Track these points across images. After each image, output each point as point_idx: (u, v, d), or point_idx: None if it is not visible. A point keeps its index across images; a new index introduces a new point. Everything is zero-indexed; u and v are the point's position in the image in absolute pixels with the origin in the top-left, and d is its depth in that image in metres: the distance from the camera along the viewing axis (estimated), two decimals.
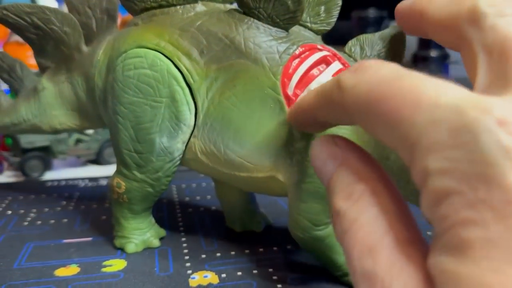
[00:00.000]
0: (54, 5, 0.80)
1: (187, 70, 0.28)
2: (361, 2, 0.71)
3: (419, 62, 0.71)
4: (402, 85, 0.14)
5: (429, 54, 0.72)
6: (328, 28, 0.29)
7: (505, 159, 0.11)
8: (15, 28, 0.34)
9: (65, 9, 0.34)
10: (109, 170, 0.53)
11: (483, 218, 0.11)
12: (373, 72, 0.15)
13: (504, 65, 0.14)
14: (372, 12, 0.72)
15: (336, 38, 0.30)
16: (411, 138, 0.13)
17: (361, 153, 0.18)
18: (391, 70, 0.15)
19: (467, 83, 0.16)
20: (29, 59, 0.73)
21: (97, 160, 0.55)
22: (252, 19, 0.27)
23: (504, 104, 0.12)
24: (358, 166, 0.17)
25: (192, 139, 0.29)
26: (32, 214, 0.39)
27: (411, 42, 0.79)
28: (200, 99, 0.28)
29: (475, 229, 0.11)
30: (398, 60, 0.28)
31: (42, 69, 0.36)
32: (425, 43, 0.74)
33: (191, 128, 0.29)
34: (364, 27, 0.72)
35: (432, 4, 0.19)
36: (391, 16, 0.73)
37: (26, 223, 0.37)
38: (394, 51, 0.28)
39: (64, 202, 0.42)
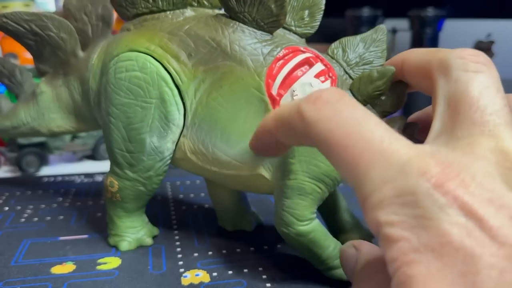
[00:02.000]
0: (52, 2, 0.81)
1: (176, 72, 0.29)
2: (355, 1, 0.72)
3: None
4: (359, 136, 0.16)
5: None
6: (312, 31, 0.30)
7: (439, 213, 0.14)
8: (14, 35, 0.35)
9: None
10: (105, 165, 0.53)
11: (425, 258, 0.13)
12: (333, 110, 0.16)
13: (455, 118, 0.17)
14: (366, 11, 0.72)
15: (330, 36, 0.31)
16: (365, 191, 0.15)
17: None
18: (349, 115, 0.16)
19: None
20: (26, 52, 0.74)
21: (93, 155, 0.55)
22: (237, 23, 0.28)
23: (442, 163, 0.14)
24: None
25: (181, 138, 0.30)
26: (28, 211, 0.40)
27: (404, 42, 0.80)
28: (189, 100, 0.29)
29: (419, 267, 0.13)
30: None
31: (41, 73, 0.37)
32: (418, 43, 0.75)
33: (180, 128, 0.30)
34: (358, 25, 0.73)
35: (412, 54, 0.21)
36: (385, 15, 0.74)
37: (23, 220, 0.38)
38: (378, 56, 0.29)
39: (60, 199, 0.43)
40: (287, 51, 0.28)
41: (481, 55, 0.18)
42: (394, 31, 0.83)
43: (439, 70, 0.18)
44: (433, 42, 0.76)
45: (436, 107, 0.18)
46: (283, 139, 0.20)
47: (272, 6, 0.27)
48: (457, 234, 0.13)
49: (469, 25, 0.84)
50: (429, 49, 0.20)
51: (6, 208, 0.40)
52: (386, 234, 0.14)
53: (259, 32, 0.28)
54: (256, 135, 0.22)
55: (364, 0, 0.72)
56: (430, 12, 0.71)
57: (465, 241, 0.13)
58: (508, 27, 0.83)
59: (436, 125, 0.18)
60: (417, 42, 0.76)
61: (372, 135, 0.15)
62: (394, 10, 0.80)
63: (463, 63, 0.18)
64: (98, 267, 0.30)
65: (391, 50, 0.82)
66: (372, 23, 0.72)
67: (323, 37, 0.41)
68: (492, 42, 0.83)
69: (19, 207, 0.41)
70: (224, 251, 0.33)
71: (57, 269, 0.30)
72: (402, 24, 0.80)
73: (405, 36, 0.80)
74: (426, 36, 0.75)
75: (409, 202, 0.14)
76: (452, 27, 0.81)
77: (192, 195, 0.44)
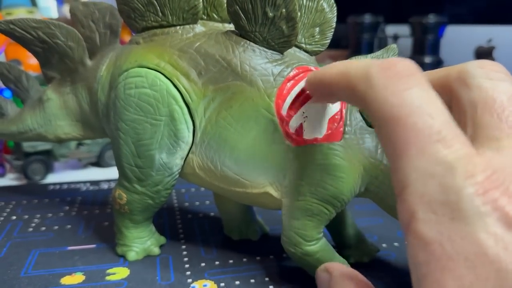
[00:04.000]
0: (54, 5, 0.81)
1: (186, 90, 0.29)
2: (357, 7, 0.72)
3: None
4: (419, 119, 0.15)
5: (423, 60, 0.74)
6: (322, 49, 0.30)
7: (478, 221, 0.13)
8: (22, 42, 0.35)
9: (66, 9, 0.35)
10: (110, 172, 0.54)
11: (458, 267, 0.13)
12: (402, 84, 0.16)
13: (488, 121, 0.16)
14: (367, 18, 0.73)
15: (332, 42, 0.31)
16: (407, 179, 0.15)
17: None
18: (418, 95, 0.16)
19: None
20: (30, 59, 0.74)
21: (98, 162, 0.56)
22: (248, 41, 0.28)
23: (489, 167, 0.14)
24: None
25: (190, 155, 0.30)
26: (36, 220, 0.40)
27: (406, 48, 0.81)
28: (198, 118, 0.29)
29: (451, 278, 0.13)
30: None
31: (48, 79, 0.37)
32: (420, 49, 0.75)
33: (189, 145, 0.30)
34: (360, 32, 0.73)
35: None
36: (387, 21, 0.74)
37: (31, 229, 0.38)
38: None
39: (67, 207, 0.43)
40: (297, 71, 0.28)
41: (500, 65, 0.18)
42: (395, 38, 0.83)
43: (459, 80, 0.18)
44: (435, 48, 0.77)
45: (464, 114, 0.18)
46: (339, 93, 0.20)
47: (284, 26, 0.27)
48: (493, 246, 0.13)
49: (470, 31, 0.85)
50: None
51: (14, 217, 0.41)
52: (420, 232, 0.14)
53: (269, 52, 0.28)
54: (314, 79, 0.22)
55: (365, 6, 0.73)
56: (431, 18, 0.72)
57: (501, 254, 0.13)
58: (509, 32, 0.83)
59: (469, 131, 0.17)
60: (419, 48, 0.76)
61: (432, 123, 0.15)
62: (395, 17, 0.81)
63: (484, 72, 0.18)
64: (107, 278, 0.31)
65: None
66: (373, 29, 0.73)
67: None
68: (493, 48, 0.83)
69: (26, 216, 0.41)
70: (231, 261, 0.33)
71: (66, 280, 0.30)
72: (404, 30, 0.81)
73: (406, 42, 0.81)
74: (427, 42, 0.75)
75: (450, 203, 0.14)
76: (453, 33, 0.81)
77: (197, 203, 0.45)
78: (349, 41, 0.73)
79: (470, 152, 0.15)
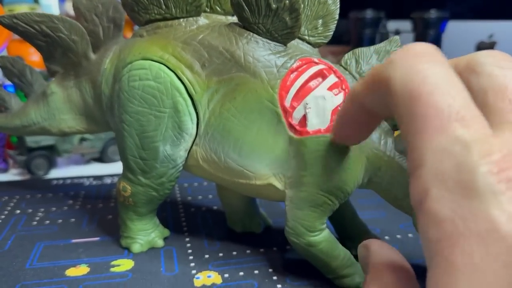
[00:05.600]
0: (55, 2, 0.81)
1: (189, 82, 0.29)
2: (358, 3, 0.72)
3: None
4: (440, 98, 0.16)
5: None
6: (325, 41, 0.30)
7: (492, 199, 0.13)
8: (25, 36, 0.35)
9: (68, 6, 0.35)
10: (112, 167, 0.54)
11: (469, 244, 0.13)
12: (424, 61, 0.16)
13: (501, 106, 0.17)
14: (369, 13, 0.73)
15: (334, 37, 0.31)
16: (423, 157, 0.15)
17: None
18: (440, 74, 0.16)
19: None
20: (32, 56, 0.75)
21: (101, 158, 0.56)
22: (251, 33, 0.28)
23: (505, 148, 0.14)
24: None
25: (194, 147, 0.30)
26: (40, 214, 0.40)
27: (407, 43, 0.80)
28: (202, 110, 0.29)
29: (462, 254, 0.13)
30: None
31: (51, 73, 0.37)
32: None
33: (193, 137, 0.30)
34: (362, 27, 0.73)
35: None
36: (388, 17, 0.74)
37: (35, 223, 0.39)
38: None
39: (71, 201, 0.43)
40: (300, 62, 0.28)
41: (509, 56, 0.18)
42: (397, 33, 0.83)
43: (468, 69, 0.18)
44: (436, 44, 0.76)
45: (475, 100, 0.17)
46: (370, 101, 0.20)
47: (287, 18, 0.27)
48: (505, 223, 0.13)
49: (472, 27, 0.85)
50: (450, 59, 0.20)
51: (18, 211, 0.41)
52: (433, 209, 0.14)
53: (272, 43, 0.28)
54: (340, 117, 0.22)
55: (367, 2, 0.73)
56: (433, 14, 0.72)
57: None
58: (510, 28, 0.83)
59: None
60: None
61: (452, 102, 0.15)
62: (397, 12, 0.81)
63: (495, 61, 0.18)
64: (112, 269, 0.31)
65: None
66: (375, 25, 0.73)
67: None
68: (494, 43, 0.83)
69: (30, 210, 0.41)
70: (234, 253, 0.33)
71: (71, 272, 0.31)
72: (405, 25, 0.81)
73: (408, 37, 0.81)
74: (429, 37, 0.75)
75: (465, 180, 0.14)
76: (454, 28, 0.81)
77: (200, 197, 0.45)
78: (351, 37, 0.73)
79: (488, 133, 0.15)
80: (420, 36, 0.77)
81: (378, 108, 0.20)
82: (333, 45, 0.28)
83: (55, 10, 0.88)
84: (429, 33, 0.76)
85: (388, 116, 0.21)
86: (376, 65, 0.19)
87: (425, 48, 0.17)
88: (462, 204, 0.14)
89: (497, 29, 0.83)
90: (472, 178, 0.14)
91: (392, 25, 0.83)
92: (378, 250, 0.22)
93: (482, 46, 0.81)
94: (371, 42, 0.75)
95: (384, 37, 0.79)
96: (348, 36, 0.74)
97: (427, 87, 0.16)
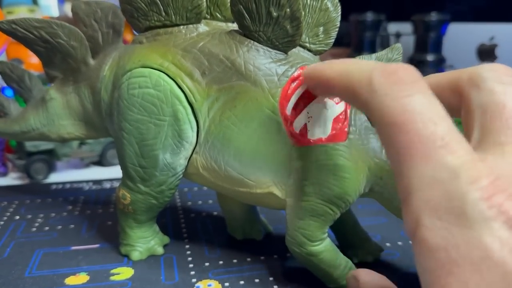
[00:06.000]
0: (55, 3, 0.81)
1: (189, 90, 0.29)
2: (359, 5, 0.72)
3: (415, 66, 0.73)
4: (422, 126, 0.15)
5: (425, 58, 0.73)
6: (327, 48, 0.30)
7: (483, 226, 0.13)
8: (24, 41, 0.35)
9: (67, 7, 0.35)
10: (112, 171, 0.54)
11: (463, 272, 0.13)
12: (405, 90, 0.16)
13: (496, 125, 0.17)
14: (370, 16, 0.73)
15: (334, 39, 0.30)
16: (412, 186, 0.15)
17: None
18: (420, 102, 0.16)
19: None
20: (31, 58, 0.74)
21: (100, 161, 0.56)
22: (252, 41, 0.28)
23: (493, 173, 0.14)
24: None
25: (194, 155, 0.30)
26: (39, 220, 0.40)
27: (408, 46, 0.81)
28: (202, 118, 0.29)
29: (457, 283, 0.13)
30: None
31: (51, 78, 0.37)
32: (422, 47, 0.75)
33: (193, 145, 0.30)
34: (362, 30, 0.73)
35: (433, 75, 0.21)
36: (389, 19, 0.74)
37: (34, 229, 0.38)
38: None
39: (70, 207, 0.43)
40: (302, 71, 0.28)
41: (403, 73, 0.18)
42: (397, 36, 0.83)
43: (470, 83, 0.18)
44: (437, 46, 0.76)
45: (472, 116, 0.18)
46: (338, 94, 0.20)
47: (288, 26, 0.27)
48: (498, 249, 0.13)
49: (473, 29, 0.84)
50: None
51: (17, 217, 0.41)
52: (426, 239, 0.14)
53: (273, 52, 0.28)
54: (313, 74, 0.22)
55: (368, 4, 0.72)
56: (433, 16, 0.72)
57: (506, 257, 0.13)
58: (511, 30, 0.83)
59: (475, 134, 0.17)
60: (421, 46, 0.76)
61: (435, 129, 0.15)
62: (397, 15, 0.80)
63: (496, 76, 0.18)
64: (112, 278, 0.31)
65: None
66: (376, 27, 0.73)
67: None
68: (495, 46, 0.83)
69: (29, 216, 0.41)
70: (234, 261, 0.33)
71: (71, 280, 0.30)
72: (406, 28, 0.81)
73: (408, 40, 0.81)
74: (429, 40, 0.75)
75: (455, 208, 0.14)
76: (455, 31, 0.81)
77: (200, 202, 0.45)
78: (351, 39, 0.73)
79: (474, 158, 0.15)
80: (421, 38, 0.77)
81: (342, 98, 0.21)
82: (333, 47, 0.28)
83: (54, 11, 0.88)
84: (430, 35, 0.75)
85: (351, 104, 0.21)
86: (353, 71, 0.19)
87: (406, 73, 0.17)
88: (454, 232, 0.14)
89: (498, 32, 0.83)
90: (462, 206, 0.14)
91: (392, 27, 0.83)
92: (368, 278, 0.22)
93: (483, 48, 0.81)
94: (372, 44, 0.75)
95: (385, 39, 0.79)
96: (348, 39, 0.74)
97: (409, 116, 0.16)
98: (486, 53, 0.78)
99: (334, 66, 0.20)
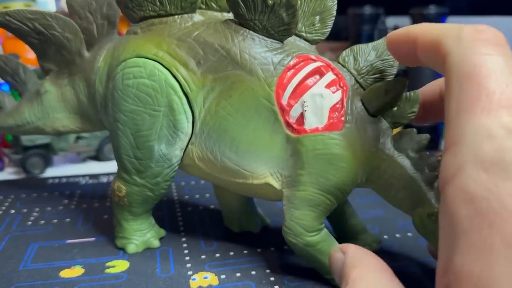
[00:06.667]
0: (52, 2, 0.81)
1: (185, 80, 0.29)
2: None
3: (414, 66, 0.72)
4: (496, 83, 0.16)
5: None
6: (323, 37, 0.30)
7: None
8: (18, 33, 0.34)
9: (64, 3, 0.35)
10: (109, 166, 0.54)
11: (507, 225, 0.14)
12: (489, 50, 0.17)
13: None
14: (368, 9, 0.72)
15: (332, 33, 0.30)
16: (463, 134, 0.16)
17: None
18: (500, 64, 0.17)
19: None
20: (27, 53, 0.74)
21: (97, 156, 0.56)
22: (247, 30, 0.28)
23: None
24: None
25: (189, 146, 0.30)
26: (35, 213, 0.40)
27: None
28: (197, 108, 0.29)
29: (500, 235, 0.14)
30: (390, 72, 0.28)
31: (45, 71, 0.37)
32: None
33: (189, 135, 0.30)
34: (360, 23, 0.72)
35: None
36: (387, 13, 0.74)
37: (29, 223, 0.38)
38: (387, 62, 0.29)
39: (66, 201, 0.43)
40: (297, 60, 0.27)
41: (492, 35, 0.18)
42: (396, 29, 0.82)
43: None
44: None
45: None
46: (421, 49, 0.20)
47: (284, 14, 0.27)
48: None
49: (471, 22, 0.84)
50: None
51: (13, 211, 0.41)
52: (466, 186, 0.15)
53: (269, 40, 0.28)
54: (402, 32, 0.22)
55: None
56: (432, 9, 0.71)
57: None
58: (509, 24, 0.83)
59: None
60: None
61: (505, 89, 0.16)
62: (395, 8, 0.80)
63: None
64: (107, 271, 0.31)
65: None
66: (374, 21, 0.72)
67: None
68: None
69: (25, 210, 0.41)
70: (231, 253, 0.33)
71: (66, 273, 0.30)
72: (404, 21, 0.80)
73: None
74: None
75: (505, 163, 0.15)
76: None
77: (197, 195, 0.44)
78: (349, 33, 0.73)
79: None
80: None
81: (426, 58, 0.20)
82: (331, 41, 0.27)
83: (51, 6, 0.87)
84: None
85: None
86: (443, 27, 0.19)
87: (494, 36, 0.18)
88: (499, 185, 0.14)
89: (497, 25, 0.83)
90: (509, 163, 0.14)
91: (391, 21, 0.82)
92: (357, 252, 0.22)
93: None
94: (370, 38, 0.74)
95: (383, 33, 0.78)
96: (346, 33, 0.74)
97: (485, 71, 0.16)
98: None
99: (424, 24, 0.21)
